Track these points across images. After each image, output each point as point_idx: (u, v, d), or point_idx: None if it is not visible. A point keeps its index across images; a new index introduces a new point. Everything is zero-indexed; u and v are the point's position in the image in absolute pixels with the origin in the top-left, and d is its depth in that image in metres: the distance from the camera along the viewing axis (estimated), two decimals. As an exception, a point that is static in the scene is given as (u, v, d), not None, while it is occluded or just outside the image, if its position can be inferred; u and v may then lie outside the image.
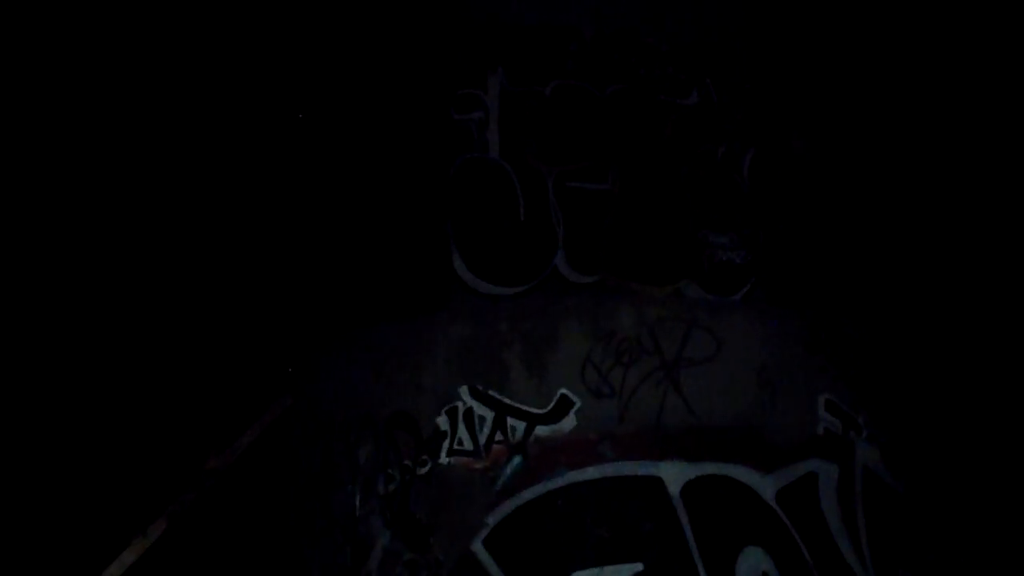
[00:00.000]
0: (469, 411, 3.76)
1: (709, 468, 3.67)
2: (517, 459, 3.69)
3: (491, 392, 3.75)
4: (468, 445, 3.73)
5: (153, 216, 4.05)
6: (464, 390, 3.78)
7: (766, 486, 3.71)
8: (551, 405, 3.66)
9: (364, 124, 4.01)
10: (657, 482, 3.59)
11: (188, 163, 4.11)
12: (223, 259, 4.15)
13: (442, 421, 3.76)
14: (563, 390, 3.68)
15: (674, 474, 3.61)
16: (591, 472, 3.58)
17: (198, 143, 4.11)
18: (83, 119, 4.00)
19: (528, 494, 3.54)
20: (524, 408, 3.72)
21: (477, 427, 3.75)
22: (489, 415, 3.75)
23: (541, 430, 3.63)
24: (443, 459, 3.73)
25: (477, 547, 3.61)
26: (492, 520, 3.63)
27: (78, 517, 3.79)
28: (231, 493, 3.84)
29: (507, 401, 3.74)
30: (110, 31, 3.89)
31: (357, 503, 3.77)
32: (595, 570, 3.41)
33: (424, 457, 3.73)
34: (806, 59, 4.42)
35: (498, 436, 3.73)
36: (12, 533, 3.68)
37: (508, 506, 3.64)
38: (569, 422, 3.66)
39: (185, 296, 4.05)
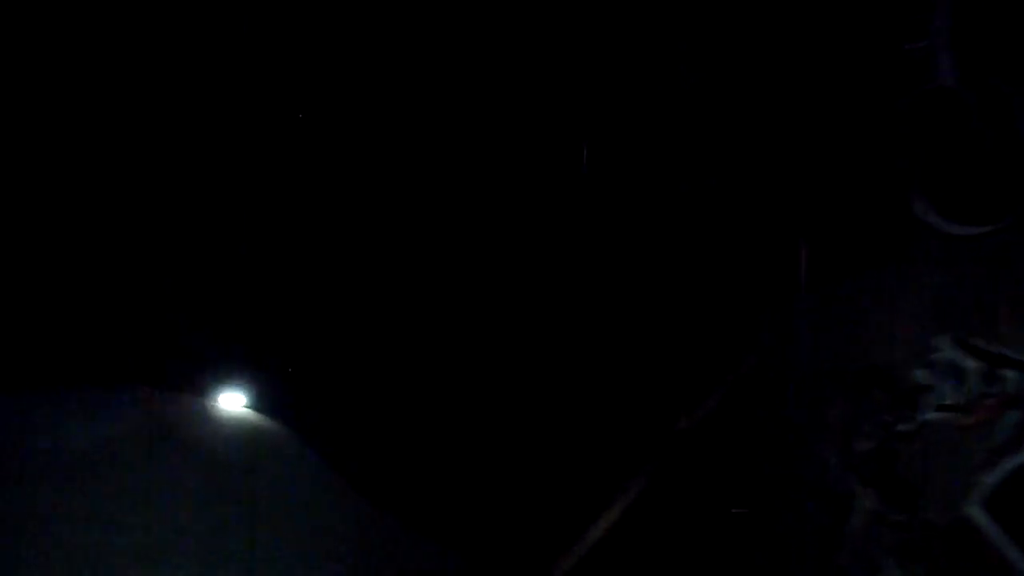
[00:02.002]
0: (950, 362, 3.55)
1: None
2: (1015, 413, 3.47)
3: (975, 341, 3.51)
4: (953, 399, 3.54)
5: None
6: (944, 340, 3.56)
7: None
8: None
9: (808, 64, 3.74)
10: None
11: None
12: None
13: (921, 374, 3.57)
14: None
15: None
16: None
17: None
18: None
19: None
20: (1018, 358, 3.46)
21: (961, 380, 3.54)
22: (975, 366, 3.53)
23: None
24: (925, 415, 3.55)
25: (973, 510, 3.44)
26: (991, 480, 3.44)
27: (573, 475, 3.97)
28: (700, 452, 3.87)
29: (997, 350, 3.49)
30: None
31: (831, 462, 3.69)
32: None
33: (904, 413, 3.57)
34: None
35: (988, 389, 3.50)
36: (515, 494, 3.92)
37: (1007, 465, 3.44)
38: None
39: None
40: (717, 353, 4.01)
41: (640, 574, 4.02)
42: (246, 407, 4.05)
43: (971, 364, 3.54)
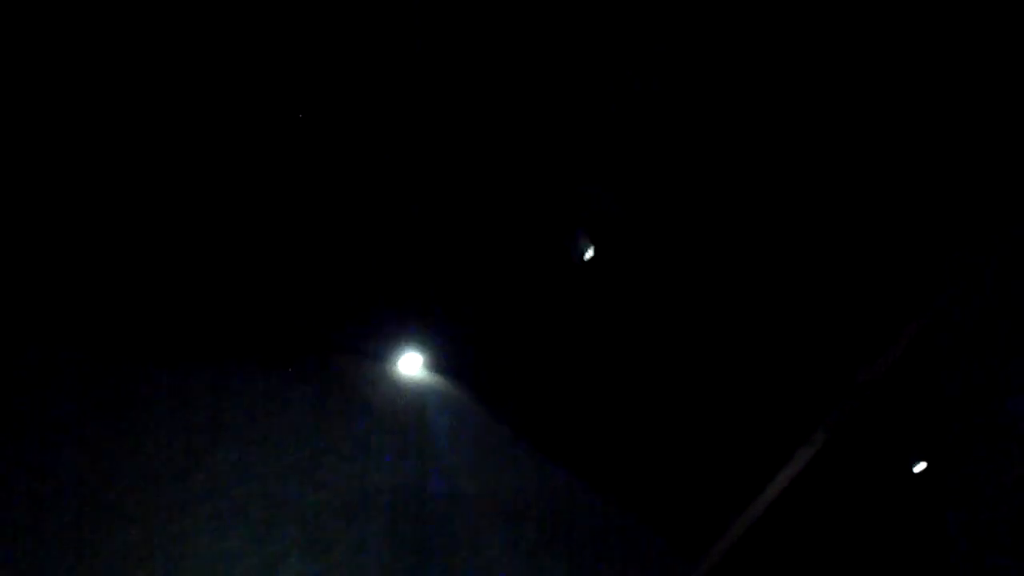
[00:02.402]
0: None
1: None
2: None
3: None
4: None
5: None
6: None
7: None
8: None
9: None
10: None
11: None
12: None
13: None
14: None
15: None
16: None
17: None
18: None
19: None
20: None
21: None
22: None
23: None
24: None
25: None
26: None
27: (754, 430, 4.02)
28: (881, 405, 3.87)
29: None
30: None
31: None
32: None
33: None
34: None
35: None
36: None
37: None
38: None
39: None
40: (899, 303, 4.00)
41: (820, 528, 4.08)
42: (424, 369, 4.18)
43: None
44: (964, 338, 3.89)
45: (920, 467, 4.00)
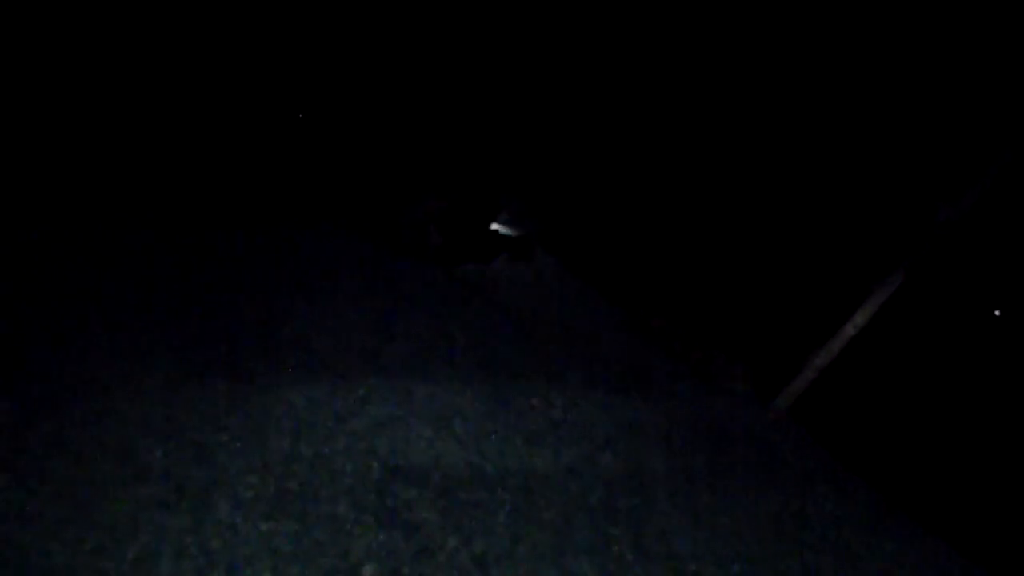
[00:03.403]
0: None
1: None
2: None
3: None
4: None
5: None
6: None
7: None
8: None
9: None
10: None
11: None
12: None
13: None
14: None
15: None
16: None
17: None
18: None
19: None
20: None
21: None
22: None
23: None
24: None
25: None
26: None
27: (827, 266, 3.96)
28: (964, 243, 3.73)
29: None
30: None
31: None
32: None
33: None
34: None
35: None
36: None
37: None
38: None
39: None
40: (984, 138, 3.79)
41: (894, 371, 4.07)
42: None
43: None
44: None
45: (999, 312, 3.91)
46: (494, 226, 4.57)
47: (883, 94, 3.84)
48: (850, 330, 3.87)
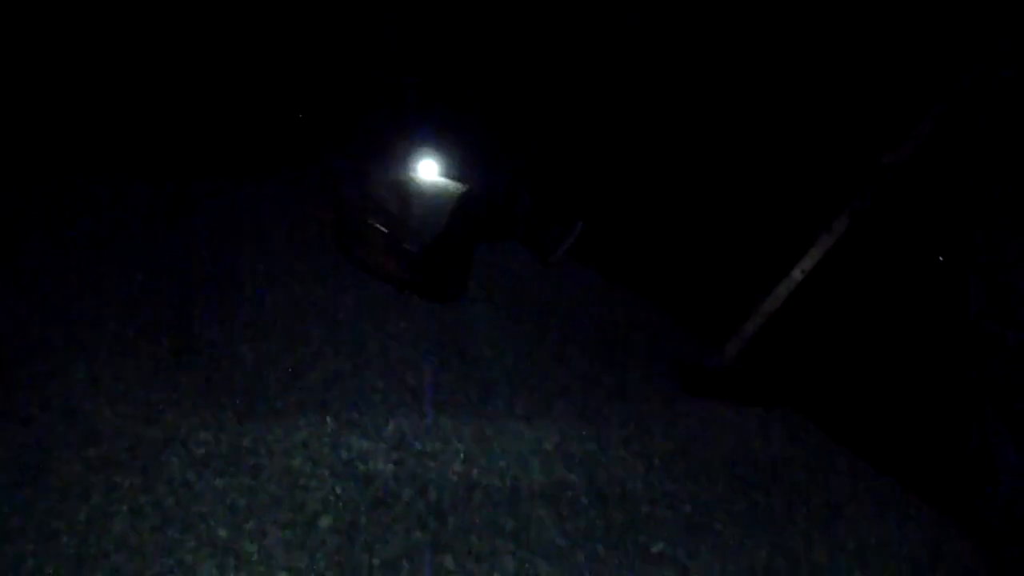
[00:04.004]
0: None
1: None
2: None
3: None
4: None
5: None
6: None
7: None
8: None
9: None
10: None
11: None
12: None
13: None
14: None
15: None
16: None
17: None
18: None
19: None
20: None
21: None
22: None
23: None
24: None
25: None
26: None
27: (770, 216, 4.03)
28: (909, 186, 3.81)
29: None
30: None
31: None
32: None
33: None
34: None
35: None
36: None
37: None
38: None
39: None
40: (926, 77, 3.82)
41: (841, 316, 4.16)
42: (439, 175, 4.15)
43: None
44: (995, 116, 3.75)
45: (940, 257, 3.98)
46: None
47: (824, 41, 3.84)
48: (797, 275, 3.93)
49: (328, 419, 3.31)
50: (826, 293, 4.02)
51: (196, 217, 4.46)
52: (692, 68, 4.37)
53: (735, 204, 4.39)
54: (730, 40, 4.22)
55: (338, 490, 3.01)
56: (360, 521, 2.90)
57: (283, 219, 4.66)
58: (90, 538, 2.63)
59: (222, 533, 2.74)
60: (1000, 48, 3.52)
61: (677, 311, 4.63)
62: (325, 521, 2.86)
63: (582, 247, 4.73)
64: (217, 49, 4.72)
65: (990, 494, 3.60)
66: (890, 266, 4.02)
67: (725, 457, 3.72)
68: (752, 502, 3.50)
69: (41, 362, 3.27)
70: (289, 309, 3.96)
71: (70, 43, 4.53)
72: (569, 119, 4.71)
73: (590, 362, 4.16)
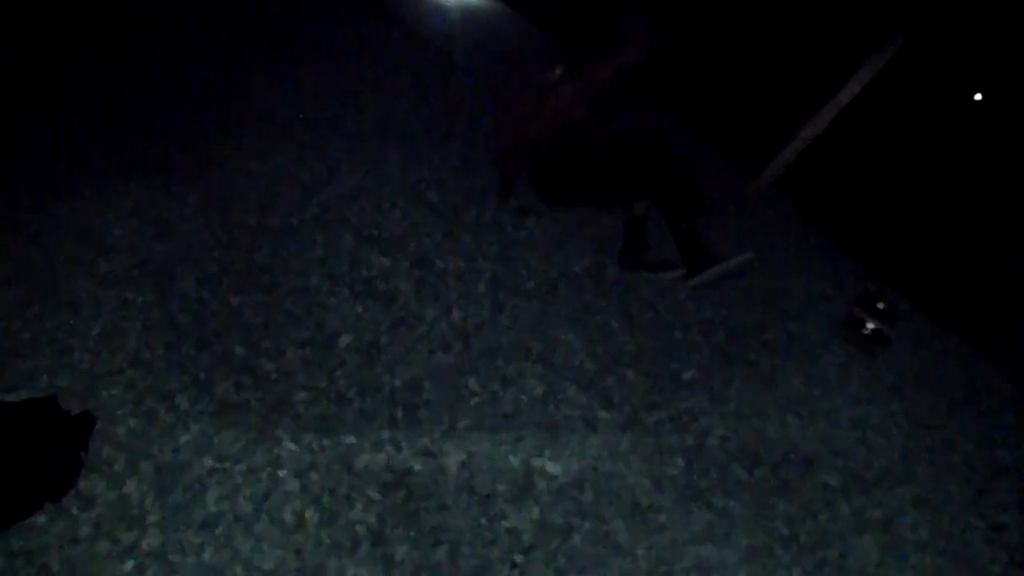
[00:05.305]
0: None
1: None
2: None
3: None
4: None
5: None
6: None
7: None
8: None
9: None
10: None
11: None
12: None
13: None
14: None
15: None
16: None
17: None
18: None
19: None
20: None
21: None
22: None
23: None
24: None
25: None
26: None
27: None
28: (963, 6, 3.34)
29: None
30: None
31: None
32: None
33: None
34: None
35: None
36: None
37: None
38: None
39: None
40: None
41: (879, 149, 3.81)
42: None
43: None
44: None
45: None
46: None
47: None
48: (843, 99, 3.58)
49: (347, 235, 3.12)
50: (869, 122, 3.67)
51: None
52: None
53: (782, 27, 3.93)
54: None
55: (358, 309, 2.86)
56: (381, 341, 2.77)
57: (297, 29, 4.27)
58: (103, 354, 2.52)
59: (238, 351, 2.62)
60: None
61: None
62: (345, 340, 2.74)
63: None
64: None
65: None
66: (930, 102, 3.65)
67: (759, 286, 3.52)
68: (788, 333, 3.33)
69: (49, 183, 3.07)
70: (302, 124, 3.68)
71: None
72: None
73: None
